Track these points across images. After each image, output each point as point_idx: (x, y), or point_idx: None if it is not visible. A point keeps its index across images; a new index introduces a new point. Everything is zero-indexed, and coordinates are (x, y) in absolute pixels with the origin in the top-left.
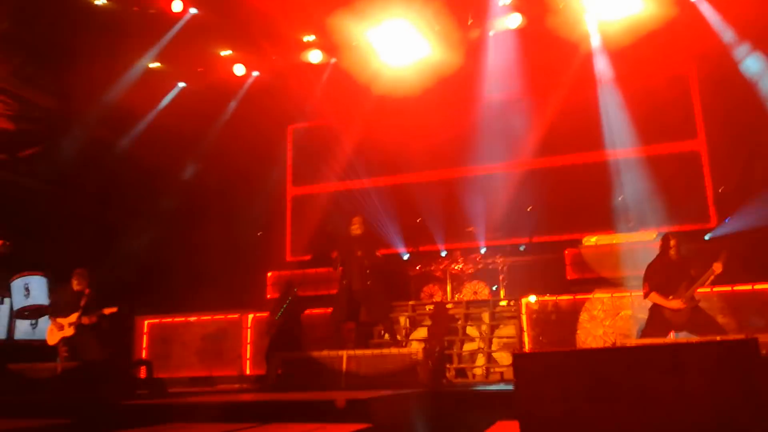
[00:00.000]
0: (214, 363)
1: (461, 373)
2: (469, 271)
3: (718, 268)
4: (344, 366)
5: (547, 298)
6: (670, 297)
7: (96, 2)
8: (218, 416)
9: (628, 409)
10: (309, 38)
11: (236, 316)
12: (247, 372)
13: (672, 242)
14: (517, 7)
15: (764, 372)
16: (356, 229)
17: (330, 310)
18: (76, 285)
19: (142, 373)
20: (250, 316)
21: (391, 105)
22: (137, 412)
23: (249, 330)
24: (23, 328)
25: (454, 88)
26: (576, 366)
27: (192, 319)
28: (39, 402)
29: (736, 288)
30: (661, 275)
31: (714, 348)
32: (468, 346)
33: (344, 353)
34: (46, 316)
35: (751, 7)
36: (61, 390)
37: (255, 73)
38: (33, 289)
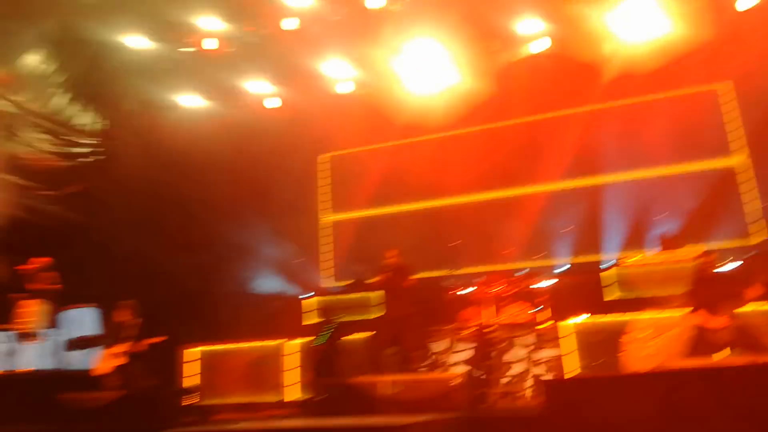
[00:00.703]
0: (257, 389)
1: (503, 397)
2: (509, 294)
3: (757, 290)
4: (383, 391)
5: (590, 318)
6: (714, 316)
7: (135, 47)
8: None
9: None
10: (339, 69)
11: (275, 342)
12: (288, 398)
13: (712, 259)
14: (544, 32)
15: None
16: (392, 259)
17: (369, 335)
18: (125, 316)
19: (188, 400)
20: (290, 342)
21: (423, 130)
22: None
23: (288, 357)
24: (75, 359)
25: (485, 112)
26: (606, 392)
27: (234, 346)
28: (91, 431)
29: None
30: (705, 293)
31: (750, 371)
32: (509, 370)
33: (383, 378)
34: (97, 347)
35: None
36: (109, 419)
37: (286, 104)
38: (85, 320)
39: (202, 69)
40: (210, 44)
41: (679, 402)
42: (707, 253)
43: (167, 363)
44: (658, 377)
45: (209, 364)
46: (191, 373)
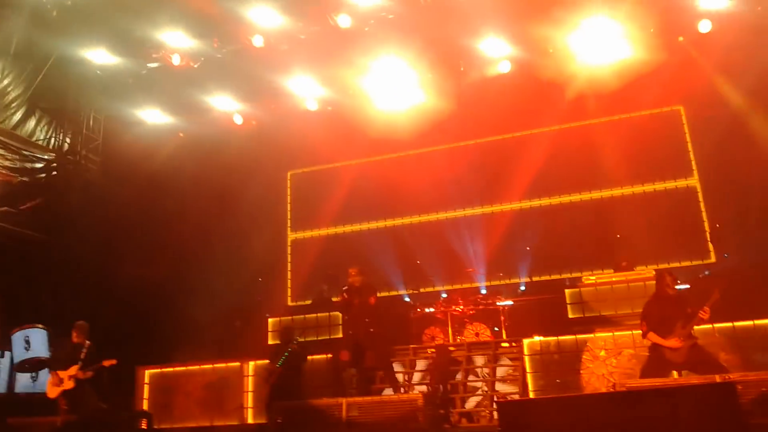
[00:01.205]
0: (216, 412)
1: (465, 416)
2: (470, 313)
3: (704, 315)
4: (344, 413)
5: (549, 338)
6: (668, 336)
7: (98, 62)
8: None
9: None
10: (305, 87)
11: (237, 363)
12: (249, 421)
13: (667, 279)
14: (508, 55)
15: (739, 413)
16: (354, 279)
17: (330, 355)
18: (75, 338)
19: (143, 425)
20: (251, 363)
21: (387, 148)
22: None
23: (250, 378)
24: (24, 382)
25: (450, 130)
26: (559, 413)
27: (193, 368)
28: None
29: (737, 324)
30: (658, 313)
31: (704, 389)
32: (471, 389)
33: (344, 401)
34: (47, 369)
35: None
36: None
37: (253, 122)
38: (33, 342)
39: (167, 85)
40: (176, 60)
41: (635, 421)
42: (662, 273)
43: (121, 386)
44: (615, 397)
45: (166, 386)
46: (146, 397)
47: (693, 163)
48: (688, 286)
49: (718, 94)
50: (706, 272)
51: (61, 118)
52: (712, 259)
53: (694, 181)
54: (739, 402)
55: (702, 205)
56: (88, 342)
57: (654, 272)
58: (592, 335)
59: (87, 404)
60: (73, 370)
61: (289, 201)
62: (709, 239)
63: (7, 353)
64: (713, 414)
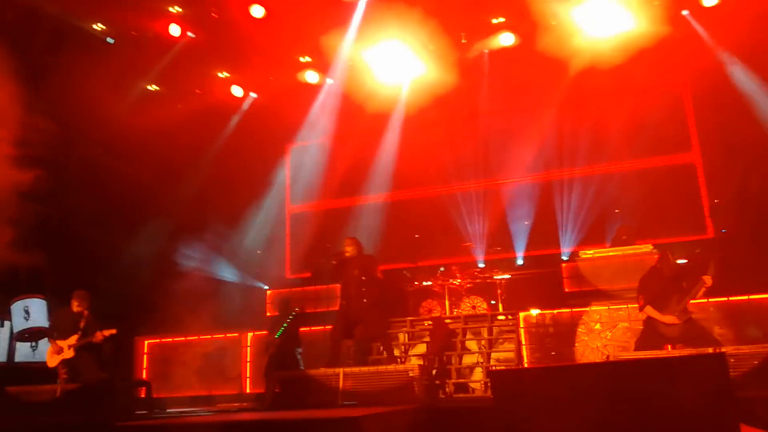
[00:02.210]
0: (215, 382)
1: (460, 388)
2: (468, 286)
3: (707, 281)
4: (341, 383)
5: (545, 311)
6: (664, 311)
7: (93, 27)
8: None
9: (599, 422)
10: (305, 59)
11: (236, 334)
12: (248, 390)
13: (664, 254)
14: (509, 26)
15: (728, 384)
16: (349, 250)
17: (329, 327)
18: (75, 307)
19: (142, 393)
20: (250, 334)
21: (387, 122)
22: None
23: (249, 348)
24: (23, 351)
25: (450, 105)
26: (551, 382)
27: (192, 338)
28: (37, 424)
29: (732, 299)
30: (655, 288)
31: (686, 362)
32: (467, 361)
33: (341, 371)
34: (46, 339)
35: (739, 24)
36: (60, 412)
37: (253, 94)
38: (33, 311)
39: (165, 56)
40: (174, 30)
41: (627, 391)
42: (660, 248)
43: (121, 355)
44: (609, 367)
45: (166, 356)
46: (146, 366)
47: (693, 138)
48: (685, 260)
49: (721, 68)
50: (699, 249)
51: (60, 91)
52: (709, 234)
53: (693, 156)
54: (728, 373)
55: (701, 180)
56: (87, 312)
57: (651, 248)
58: (587, 308)
59: (87, 373)
60: (73, 339)
61: (288, 174)
62: (707, 214)
63: (6, 323)
64: (704, 385)
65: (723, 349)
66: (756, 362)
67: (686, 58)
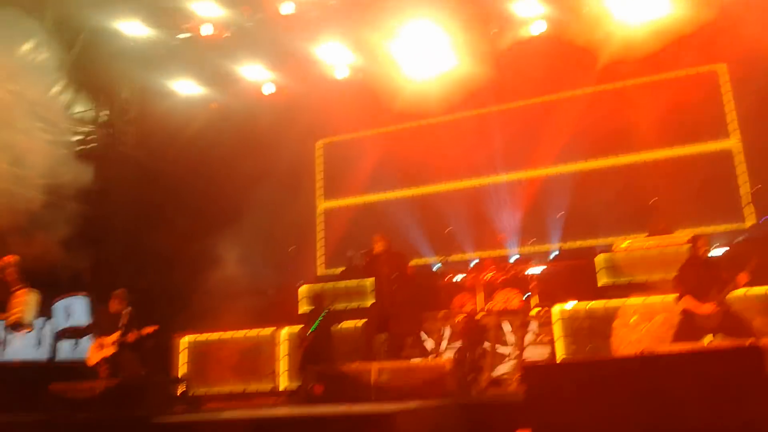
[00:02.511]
0: (250, 378)
1: (494, 383)
2: (500, 280)
3: (742, 279)
4: (374, 378)
5: (579, 304)
6: (702, 302)
7: (131, 34)
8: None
9: (631, 416)
10: (336, 55)
11: (270, 331)
12: (282, 386)
13: (700, 243)
14: (540, 14)
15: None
16: (378, 246)
17: (362, 322)
18: (116, 305)
19: (180, 390)
20: (284, 330)
21: (417, 115)
22: (170, 429)
23: (282, 344)
24: (65, 349)
25: (480, 95)
26: (582, 376)
27: (227, 335)
28: (78, 421)
29: None
30: (693, 279)
31: (721, 355)
32: (499, 356)
33: (374, 365)
34: (88, 337)
35: None
36: (100, 409)
37: (282, 90)
38: (75, 310)
39: (198, 55)
40: (206, 30)
41: (663, 386)
42: (697, 237)
43: (159, 352)
44: (641, 361)
45: (202, 353)
46: (183, 362)
47: (730, 124)
48: (726, 248)
49: (762, 51)
50: (740, 238)
51: (97, 91)
52: (748, 223)
53: (730, 143)
54: (764, 367)
55: (741, 166)
56: (128, 309)
57: (689, 237)
58: (623, 301)
59: (127, 370)
60: (114, 336)
61: (320, 170)
62: (750, 201)
63: (49, 321)
64: (739, 379)
65: (762, 341)
66: None
67: (723, 41)
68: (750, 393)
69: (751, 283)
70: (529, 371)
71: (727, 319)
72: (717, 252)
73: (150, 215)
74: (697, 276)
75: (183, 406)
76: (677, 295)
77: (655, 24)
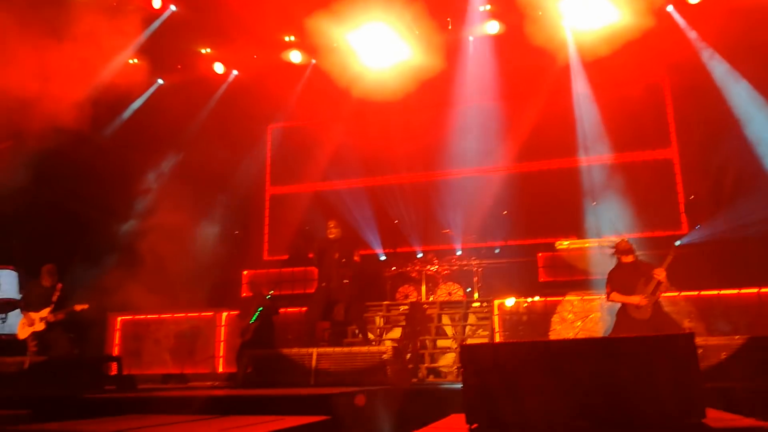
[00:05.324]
0: (187, 361)
1: (433, 372)
2: (445, 273)
3: (658, 274)
4: (314, 363)
5: (519, 300)
6: (632, 298)
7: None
8: (179, 409)
9: (569, 398)
10: (289, 38)
11: (210, 314)
12: (221, 370)
13: (627, 247)
14: (495, 14)
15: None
16: (332, 232)
17: (305, 309)
18: (46, 280)
19: (112, 369)
20: (224, 314)
21: (371, 107)
22: (99, 405)
23: (223, 328)
24: None
25: (434, 92)
26: (522, 356)
27: (166, 316)
28: (4, 396)
29: (702, 293)
30: (619, 278)
31: (657, 342)
32: (441, 345)
33: (314, 350)
34: (17, 311)
35: (721, 19)
36: (27, 384)
37: (235, 72)
38: (3, 283)
39: (147, 28)
40: (156, 3)
41: (602, 369)
42: (621, 241)
43: (94, 330)
44: (580, 344)
45: (139, 333)
46: (117, 342)
47: (672, 134)
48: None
49: (702, 65)
50: (678, 242)
51: (36, 56)
52: (684, 230)
53: (671, 152)
54: (697, 354)
55: (678, 176)
56: (59, 284)
57: (620, 239)
58: (561, 298)
59: (56, 347)
60: (45, 312)
61: (269, 155)
62: (683, 210)
63: None
64: (673, 365)
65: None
66: (724, 354)
67: (667, 52)
68: (682, 379)
69: (682, 287)
70: (467, 349)
71: (658, 319)
72: (646, 254)
73: (87, 190)
74: (624, 275)
75: (114, 386)
76: (607, 291)
77: (605, 31)
